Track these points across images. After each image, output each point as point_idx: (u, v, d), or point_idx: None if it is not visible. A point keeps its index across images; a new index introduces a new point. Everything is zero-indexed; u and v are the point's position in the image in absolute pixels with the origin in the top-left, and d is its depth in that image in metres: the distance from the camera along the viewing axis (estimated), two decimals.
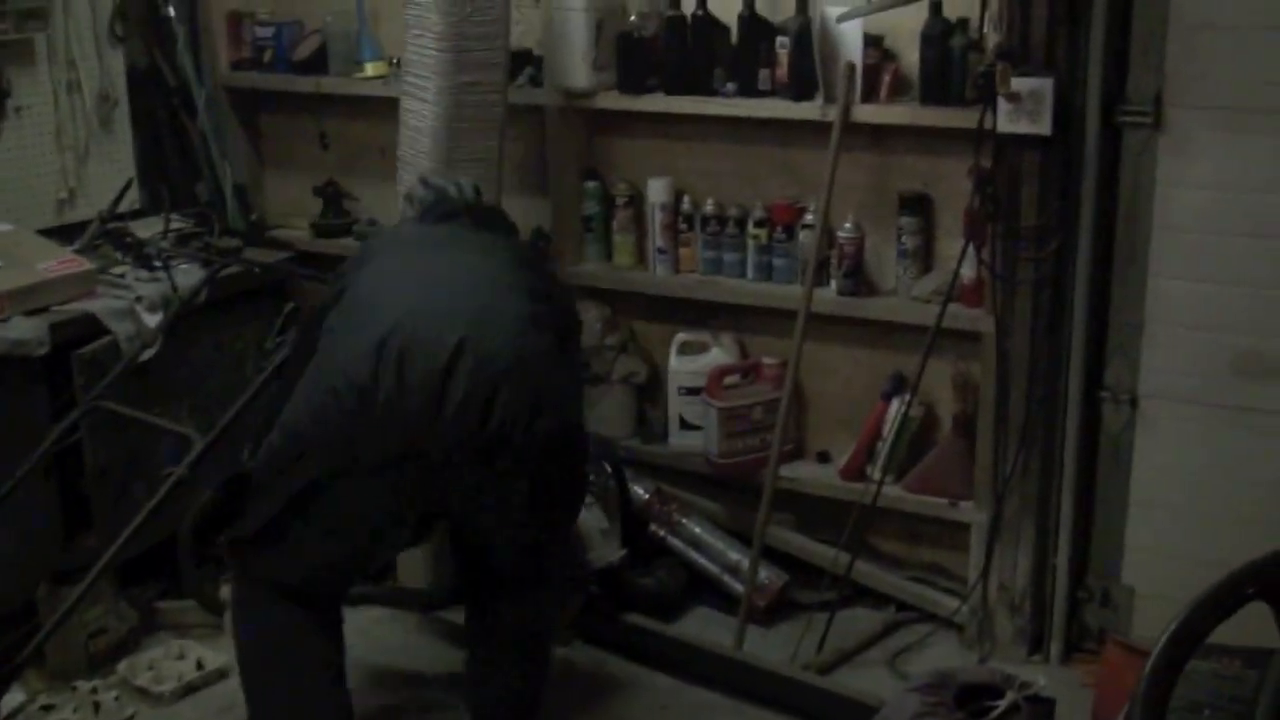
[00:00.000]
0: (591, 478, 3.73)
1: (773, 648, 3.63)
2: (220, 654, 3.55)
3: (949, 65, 3.44)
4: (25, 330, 3.44)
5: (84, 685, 3.45)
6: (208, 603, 3.52)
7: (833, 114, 3.51)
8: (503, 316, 2.81)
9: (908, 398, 3.60)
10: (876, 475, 3.63)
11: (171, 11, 4.33)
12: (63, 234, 3.99)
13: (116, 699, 3.44)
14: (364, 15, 4.22)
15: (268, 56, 4.42)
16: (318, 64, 4.33)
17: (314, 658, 3.00)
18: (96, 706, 3.40)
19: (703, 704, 3.45)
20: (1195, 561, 3.17)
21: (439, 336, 2.70)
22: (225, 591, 3.60)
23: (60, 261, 3.67)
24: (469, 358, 2.69)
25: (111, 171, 4.17)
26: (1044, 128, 3.20)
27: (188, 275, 3.81)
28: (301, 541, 2.89)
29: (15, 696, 3.41)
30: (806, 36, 3.54)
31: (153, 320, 3.66)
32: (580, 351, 3.30)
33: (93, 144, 4.18)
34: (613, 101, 3.88)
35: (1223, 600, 1.23)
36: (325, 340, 2.86)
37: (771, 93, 3.67)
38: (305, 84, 4.35)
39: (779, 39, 3.61)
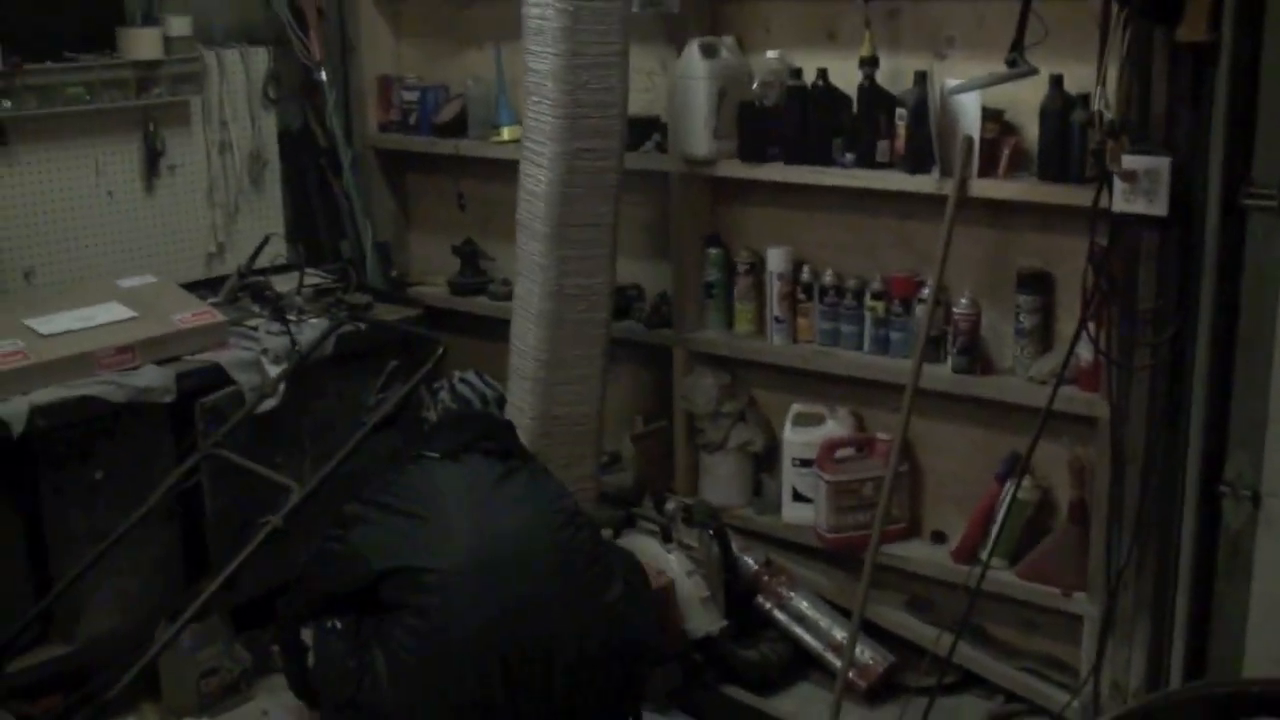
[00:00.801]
0: (695, 544, 3.74)
1: None
2: None
3: (1069, 140, 3.33)
4: (154, 378, 3.60)
5: None
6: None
7: (948, 187, 3.44)
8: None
9: (1019, 480, 3.47)
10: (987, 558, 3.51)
11: (324, 75, 4.51)
12: (210, 287, 4.17)
13: None
14: (503, 81, 4.32)
15: (413, 119, 4.56)
16: (458, 127, 4.45)
17: None
18: None
19: None
20: None
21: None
22: None
23: (195, 314, 3.83)
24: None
25: (260, 228, 4.37)
26: (1160, 208, 3.05)
27: (315, 330, 3.93)
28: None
29: None
30: (924, 108, 3.47)
31: (275, 372, 3.78)
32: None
33: (243, 201, 4.38)
34: (733, 169, 3.87)
35: None
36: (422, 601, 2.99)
37: (890, 164, 3.61)
38: (445, 146, 4.47)
39: (898, 110, 3.56)
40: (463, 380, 3.45)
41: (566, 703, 3.00)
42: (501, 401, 3.48)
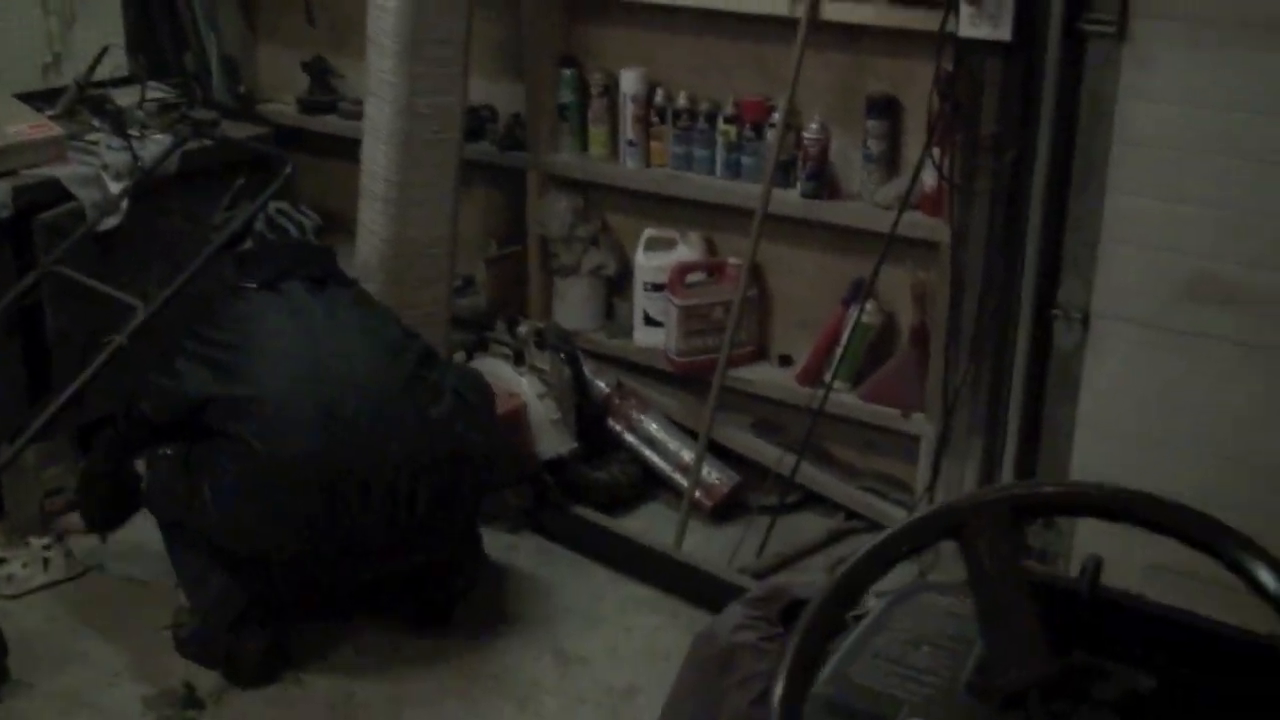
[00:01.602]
0: (547, 367, 3.77)
1: (716, 548, 3.64)
2: None
3: None
4: None
5: (36, 541, 3.55)
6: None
7: (801, 10, 3.42)
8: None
9: (863, 305, 3.54)
10: (829, 381, 3.59)
11: None
12: (46, 99, 4.01)
13: (68, 555, 3.54)
14: None
15: None
16: None
17: None
18: (45, 563, 3.50)
19: (638, 598, 3.47)
20: (1141, 487, 3.11)
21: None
22: None
23: (31, 126, 3.69)
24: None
25: (99, 38, 4.16)
26: (1004, 33, 3.09)
27: (158, 145, 3.82)
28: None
29: None
30: None
31: (118, 189, 3.69)
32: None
33: (80, 8, 4.18)
34: None
35: (908, 539, 1.20)
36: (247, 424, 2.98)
37: None
38: None
39: None
40: (279, 210, 3.40)
41: (396, 519, 3.02)
42: (319, 230, 3.43)
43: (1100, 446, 3.35)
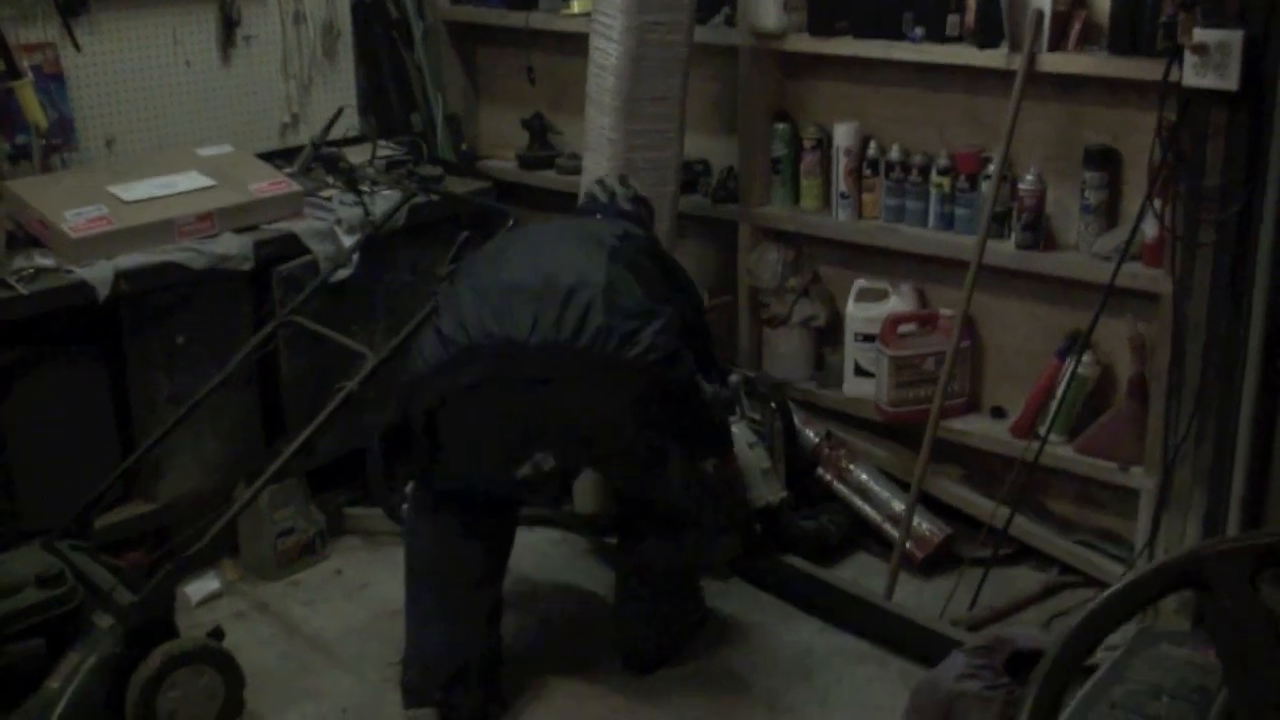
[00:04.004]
0: (758, 416, 3.80)
1: (927, 600, 3.62)
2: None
3: (1141, 13, 3.30)
4: (232, 246, 3.68)
5: None
6: (392, 512, 3.75)
7: (1017, 62, 3.42)
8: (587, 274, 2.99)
9: (1079, 356, 3.50)
10: (1045, 433, 3.55)
11: None
12: (284, 157, 4.24)
13: None
14: None
15: None
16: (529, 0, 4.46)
17: (470, 559, 3.19)
18: None
19: (847, 650, 3.47)
20: None
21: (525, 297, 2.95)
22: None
23: (271, 183, 3.90)
24: (557, 292, 2.92)
25: (333, 99, 4.40)
26: (1231, 83, 3.02)
27: (387, 201, 4.00)
28: (448, 458, 3.08)
29: (210, 584, 3.73)
30: None
31: (350, 242, 3.87)
32: (697, 313, 3.38)
33: (316, 73, 4.42)
34: (802, 43, 3.88)
35: (1143, 589, 1.20)
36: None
37: (959, 38, 3.60)
38: (516, 18, 4.50)
39: None
40: (599, 181, 3.53)
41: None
42: (636, 200, 3.48)
43: None
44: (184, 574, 3.24)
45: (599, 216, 3.40)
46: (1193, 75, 3.08)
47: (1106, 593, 1.22)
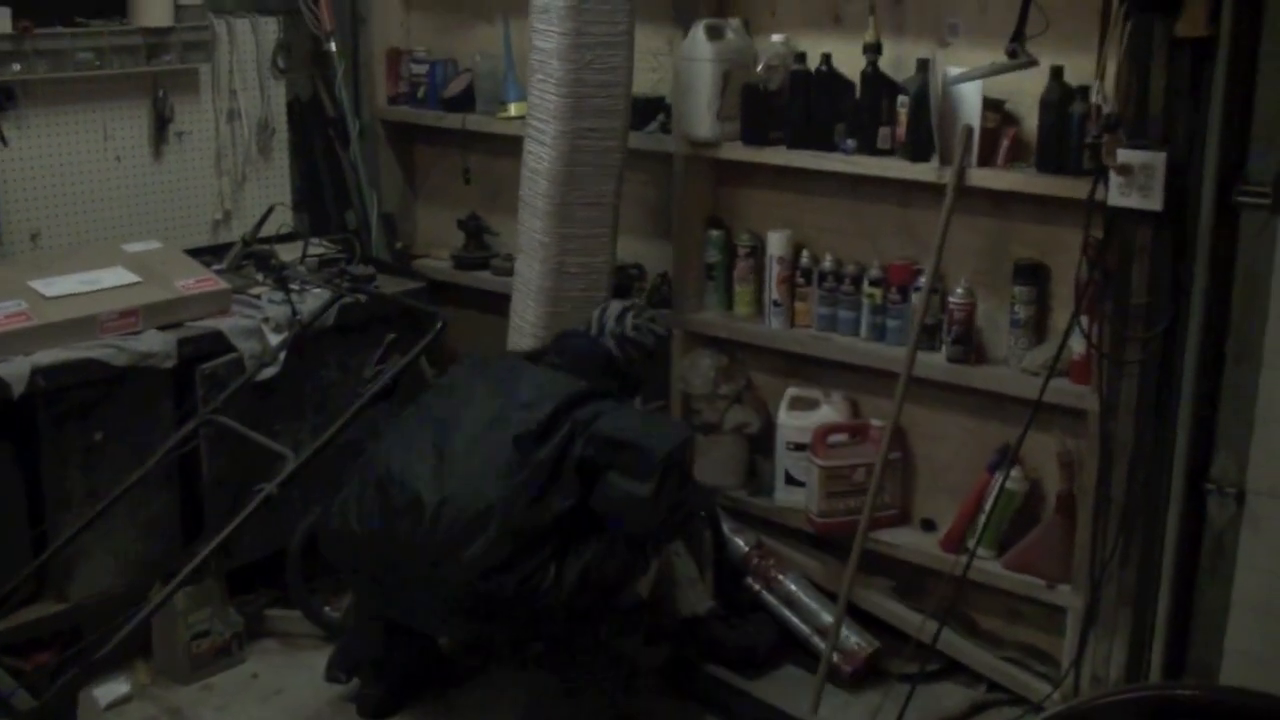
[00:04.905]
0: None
1: (853, 715, 3.56)
2: None
3: (1068, 132, 3.32)
4: (155, 344, 3.63)
5: None
6: (313, 616, 3.67)
7: (948, 176, 3.44)
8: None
9: (1008, 471, 3.49)
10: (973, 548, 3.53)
11: (333, 47, 4.52)
12: (215, 254, 4.20)
13: None
14: (510, 57, 4.34)
15: (421, 92, 4.59)
16: (466, 102, 4.48)
17: None
18: None
19: None
20: None
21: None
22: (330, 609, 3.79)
23: (198, 280, 3.85)
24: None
25: (268, 196, 4.39)
26: (1155, 203, 3.05)
27: (317, 299, 3.96)
28: None
29: (120, 687, 3.62)
30: (925, 96, 3.48)
31: (276, 340, 3.82)
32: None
33: (250, 170, 4.40)
34: (736, 152, 3.88)
35: None
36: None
37: (891, 151, 3.62)
38: (453, 120, 4.50)
39: (900, 98, 3.56)
40: (603, 311, 3.54)
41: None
42: (619, 337, 3.49)
43: (1259, 626, 3.21)
44: (88, 679, 3.17)
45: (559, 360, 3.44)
46: (1118, 195, 3.11)
47: None
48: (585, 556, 3.13)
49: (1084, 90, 3.30)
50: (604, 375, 3.39)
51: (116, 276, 3.76)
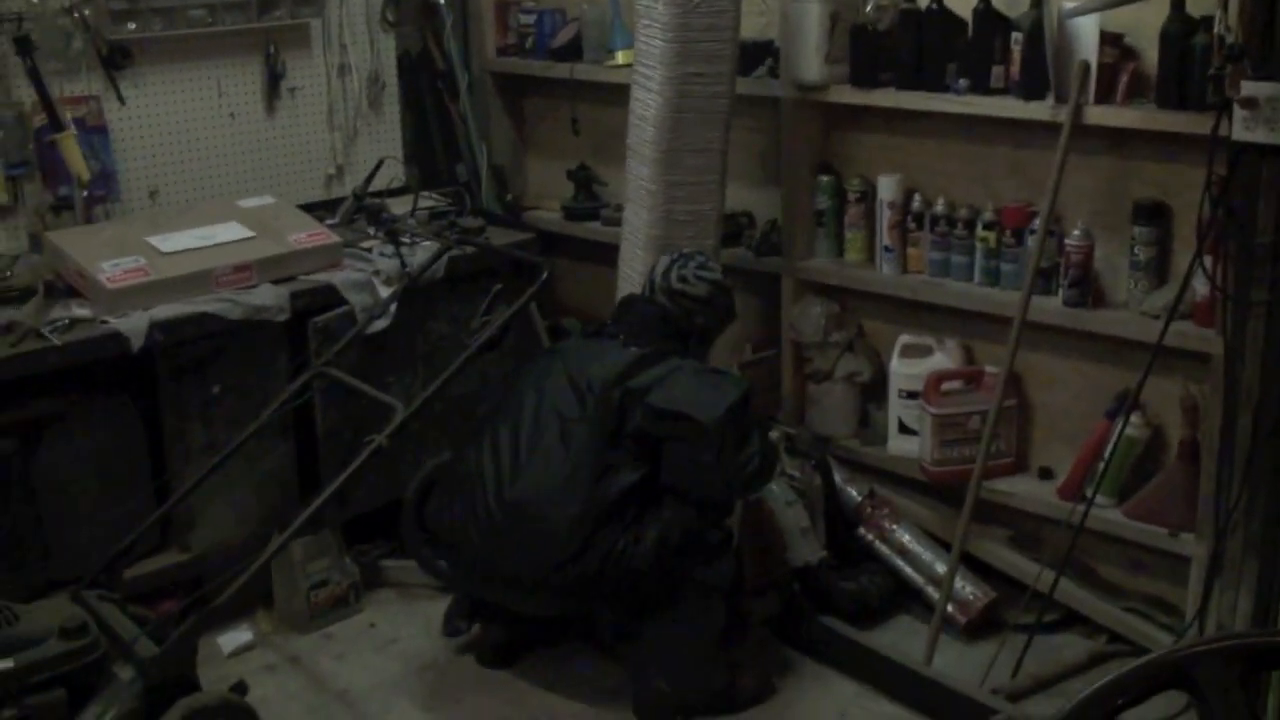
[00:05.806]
0: (798, 473, 3.73)
1: (968, 666, 3.51)
2: None
3: (1190, 66, 3.20)
4: (268, 297, 3.68)
5: None
6: (427, 566, 3.71)
7: (1063, 115, 3.34)
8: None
9: (1128, 417, 3.39)
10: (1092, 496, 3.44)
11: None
12: (328, 208, 4.25)
13: None
14: (618, 4, 4.31)
15: (530, 42, 4.58)
16: (574, 51, 4.46)
17: None
18: None
19: (885, 714, 3.37)
20: None
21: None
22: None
23: (310, 235, 3.90)
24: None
25: (378, 150, 4.40)
26: None
27: (426, 252, 3.98)
28: None
29: (243, 635, 3.71)
30: (1040, 32, 3.37)
31: (387, 293, 3.85)
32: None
33: (361, 124, 4.43)
34: (845, 95, 3.82)
35: (1127, 689, 1.12)
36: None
37: (1004, 90, 3.52)
38: (561, 70, 4.48)
39: (1014, 34, 3.46)
40: (653, 269, 3.52)
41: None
42: (669, 291, 3.45)
43: None
44: (207, 627, 3.20)
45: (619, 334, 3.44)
46: (1242, 129, 2.98)
47: (1087, 691, 1.14)
48: (662, 519, 3.18)
49: (1207, 21, 3.17)
50: (663, 336, 3.39)
51: (231, 232, 3.81)
